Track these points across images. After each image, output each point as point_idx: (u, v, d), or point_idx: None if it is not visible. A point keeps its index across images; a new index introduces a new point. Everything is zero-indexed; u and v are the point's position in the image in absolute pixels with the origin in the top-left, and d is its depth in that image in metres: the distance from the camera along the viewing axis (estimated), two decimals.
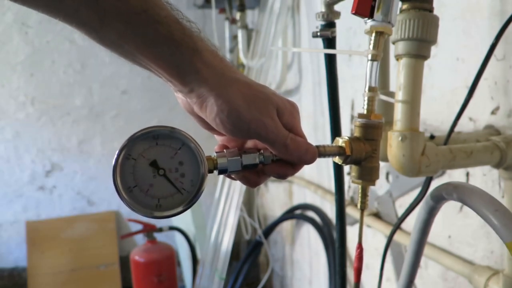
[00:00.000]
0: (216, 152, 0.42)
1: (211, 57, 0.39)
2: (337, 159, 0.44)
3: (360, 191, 0.46)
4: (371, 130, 0.44)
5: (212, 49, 0.39)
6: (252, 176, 0.43)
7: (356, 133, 0.45)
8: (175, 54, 0.37)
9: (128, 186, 0.38)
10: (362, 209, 0.46)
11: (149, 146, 0.39)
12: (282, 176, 0.42)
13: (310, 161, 0.41)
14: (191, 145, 0.39)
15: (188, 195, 0.39)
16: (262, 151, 0.42)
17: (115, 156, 0.37)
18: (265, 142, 0.40)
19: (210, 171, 0.40)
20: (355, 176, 0.45)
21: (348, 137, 0.44)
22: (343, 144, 0.44)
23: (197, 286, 1.77)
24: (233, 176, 0.44)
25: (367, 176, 0.44)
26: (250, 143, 0.45)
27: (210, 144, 0.46)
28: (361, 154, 0.43)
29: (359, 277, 0.46)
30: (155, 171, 0.38)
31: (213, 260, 1.72)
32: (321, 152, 0.43)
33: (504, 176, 0.65)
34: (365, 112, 0.45)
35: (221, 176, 1.83)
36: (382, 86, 0.74)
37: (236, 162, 0.41)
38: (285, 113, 0.41)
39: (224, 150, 0.42)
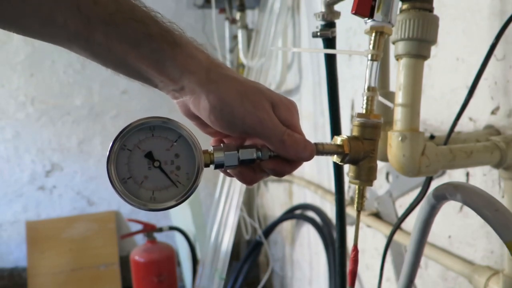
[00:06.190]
0: (213, 146, 0.41)
1: (195, 51, 0.39)
2: (335, 158, 0.44)
3: (357, 191, 0.45)
4: (370, 130, 0.44)
5: (196, 45, 0.39)
6: (249, 172, 0.42)
7: (355, 132, 0.44)
8: (156, 50, 0.37)
9: (123, 177, 0.37)
10: (359, 210, 0.45)
11: (145, 137, 0.38)
12: (279, 173, 0.42)
13: (307, 158, 0.41)
14: (188, 138, 0.38)
15: (183, 188, 0.38)
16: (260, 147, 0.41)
17: (110, 146, 0.37)
18: (261, 137, 0.39)
19: (207, 165, 0.39)
20: (353, 176, 0.45)
21: (347, 136, 0.44)
22: (342, 142, 0.43)
23: (197, 286, 1.77)
24: (229, 172, 0.43)
25: (365, 176, 0.44)
26: (248, 143, 0.44)
27: (207, 140, 0.45)
28: (359, 153, 0.43)
29: (354, 280, 0.45)
30: (150, 163, 0.38)
31: (213, 260, 1.72)
32: (319, 149, 0.42)
33: (504, 176, 0.65)
34: (364, 111, 0.45)
35: (221, 176, 1.83)
36: (382, 86, 0.74)
37: (233, 157, 0.40)
38: (282, 108, 0.40)
39: (221, 144, 0.41)
